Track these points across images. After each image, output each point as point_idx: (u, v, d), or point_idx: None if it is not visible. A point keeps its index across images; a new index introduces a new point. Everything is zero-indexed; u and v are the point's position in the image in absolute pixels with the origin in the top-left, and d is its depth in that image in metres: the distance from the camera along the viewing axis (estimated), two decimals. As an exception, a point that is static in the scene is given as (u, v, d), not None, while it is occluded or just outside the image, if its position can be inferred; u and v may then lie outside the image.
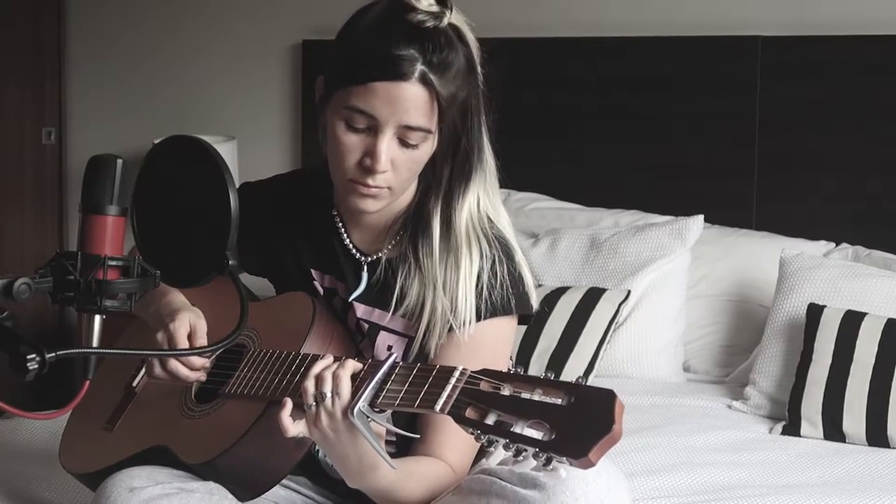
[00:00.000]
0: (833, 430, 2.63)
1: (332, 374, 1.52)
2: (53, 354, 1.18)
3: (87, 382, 1.26)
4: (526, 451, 1.30)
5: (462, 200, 1.72)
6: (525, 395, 1.35)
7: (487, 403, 1.36)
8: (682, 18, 3.56)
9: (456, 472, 1.68)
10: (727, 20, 3.50)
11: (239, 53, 4.07)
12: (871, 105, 3.33)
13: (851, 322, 2.71)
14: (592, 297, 3.06)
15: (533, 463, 1.30)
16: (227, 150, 3.71)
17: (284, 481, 1.82)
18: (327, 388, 1.52)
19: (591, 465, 1.27)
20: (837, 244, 3.26)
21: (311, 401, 1.53)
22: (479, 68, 1.72)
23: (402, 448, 1.75)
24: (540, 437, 1.29)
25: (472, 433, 1.35)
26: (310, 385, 1.54)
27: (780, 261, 3.00)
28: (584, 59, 3.63)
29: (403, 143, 1.66)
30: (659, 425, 2.67)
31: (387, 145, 1.65)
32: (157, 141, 1.46)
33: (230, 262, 1.29)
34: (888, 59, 3.31)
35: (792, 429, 2.67)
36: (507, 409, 1.34)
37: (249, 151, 3.90)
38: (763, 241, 3.28)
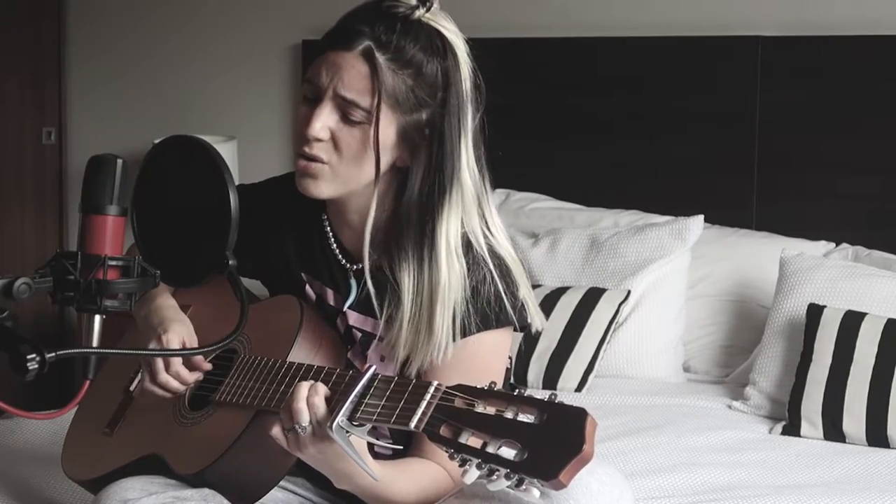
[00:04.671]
0: (833, 430, 2.63)
1: (308, 403, 1.51)
2: (53, 354, 1.18)
3: (88, 382, 1.26)
4: (498, 471, 1.30)
5: (441, 221, 1.67)
6: (499, 413, 1.34)
7: (461, 421, 1.36)
8: (682, 18, 3.56)
9: (453, 475, 1.67)
10: (727, 20, 3.50)
11: (239, 53, 4.07)
12: (871, 105, 3.33)
13: (851, 322, 2.71)
14: (592, 297, 3.06)
15: (506, 483, 1.30)
16: (227, 150, 3.71)
17: (283, 483, 1.82)
18: (304, 420, 1.51)
19: (562, 486, 1.28)
20: (837, 244, 3.26)
21: (289, 428, 1.53)
22: (465, 86, 1.68)
23: (398, 451, 1.75)
24: (512, 458, 1.29)
25: (446, 451, 1.35)
26: (285, 419, 1.53)
27: (780, 261, 3.00)
28: (584, 58, 3.63)
29: (345, 117, 1.65)
30: (659, 425, 2.67)
31: (325, 114, 1.65)
32: (157, 141, 1.46)
33: (230, 262, 1.29)
34: (888, 59, 3.31)
35: (792, 429, 2.67)
36: (480, 427, 1.34)
37: (249, 151, 3.90)
38: (763, 241, 3.28)
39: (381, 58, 1.62)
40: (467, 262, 1.68)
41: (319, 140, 1.66)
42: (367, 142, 1.65)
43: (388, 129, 1.66)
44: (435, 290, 1.66)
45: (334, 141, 1.66)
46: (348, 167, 1.68)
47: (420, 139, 1.67)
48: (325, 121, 1.65)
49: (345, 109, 1.65)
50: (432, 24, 1.66)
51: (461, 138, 1.68)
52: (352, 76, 1.63)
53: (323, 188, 1.70)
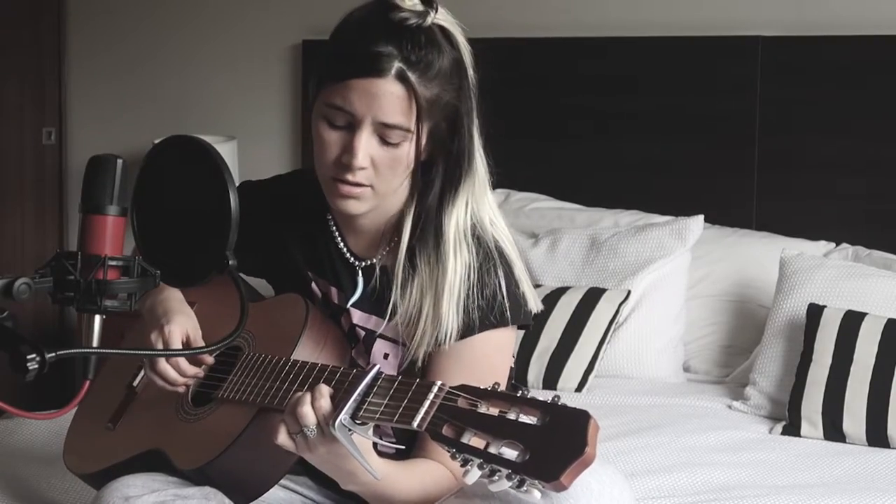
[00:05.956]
0: (833, 430, 2.63)
1: (313, 407, 1.51)
2: (53, 354, 1.18)
3: (88, 382, 1.26)
4: (500, 471, 1.30)
5: (451, 207, 1.70)
6: (502, 414, 1.34)
7: (464, 421, 1.36)
8: (682, 18, 3.56)
9: (456, 475, 1.67)
10: (727, 20, 3.50)
11: (239, 53, 4.07)
12: (871, 105, 3.33)
13: (851, 322, 2.71)
14: (592, 297, 3.06)
15: (507, 483, 1.30)
16: (227, 150, 3.71)
17: (284, 482, 1.82)
18: (311, 423, 1.51)
19: (563, 488, 1.27)
20: (837, 244, 3.26)
21: (296, 431, 1.53)
22: (470, 72, 1.70)
23: (402, 451, 1.75)
24: (514, 459, 1.29)
25: (448, 451, 1.35)
26: (291, 423, 1.53)
27: (780, 261, 3.00)
28: (585, 58, 3.63)
29: (383, 140, 1.65)
30: (659, 425, 2.67)
31: (364, 141, 1.64)
32: (157, 141, 1.46)
33: (230, 262, 1.29)
34: (888, 59, 3.31)
35: (792, 429, 2.67)
36: (482, 427, 1.34)
37: (249, 151, 3.90)
38: (763, 241, 3.28)
39: (412, 76, 1.62)
40: (475, 249, 1.70)
41: (363, 168, 1.66)
42: (405, 157, 1.67)
43: (423, 135, 1.67)
44: (443, 275, 1.68)
45: (374, 165, 1.67)
46: (388, 184, 1.69)
47: (444, 133, 1.70)
48: (366, 149, 1.65)
49: (383, 133, 1.65)
50: (440, 23, 1.67)
51: (473, 125, 1.71)
52: (391, 102, 1.62)
53: (363, 207, 1.71)
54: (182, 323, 1.81)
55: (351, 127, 1.65)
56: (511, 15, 3.72)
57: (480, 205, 1.73)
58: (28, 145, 4.16)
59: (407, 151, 1.66)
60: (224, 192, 1.29)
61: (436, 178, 1.71)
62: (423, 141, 1.67)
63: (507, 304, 1.70)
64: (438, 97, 1.66)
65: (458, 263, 1.68)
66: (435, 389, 1.43)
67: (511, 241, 1.76)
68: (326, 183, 1.70)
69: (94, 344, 1.26)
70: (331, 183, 1.69)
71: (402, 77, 1.62)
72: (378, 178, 1.67)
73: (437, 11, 1.65)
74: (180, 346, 1.78)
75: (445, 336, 1.67)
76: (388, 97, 1.62)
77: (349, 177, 1.66)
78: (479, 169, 1.72)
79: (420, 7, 1.64)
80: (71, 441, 1.97)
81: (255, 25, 4.04)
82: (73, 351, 1.23)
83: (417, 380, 1.48)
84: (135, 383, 1.93)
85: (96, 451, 1.88)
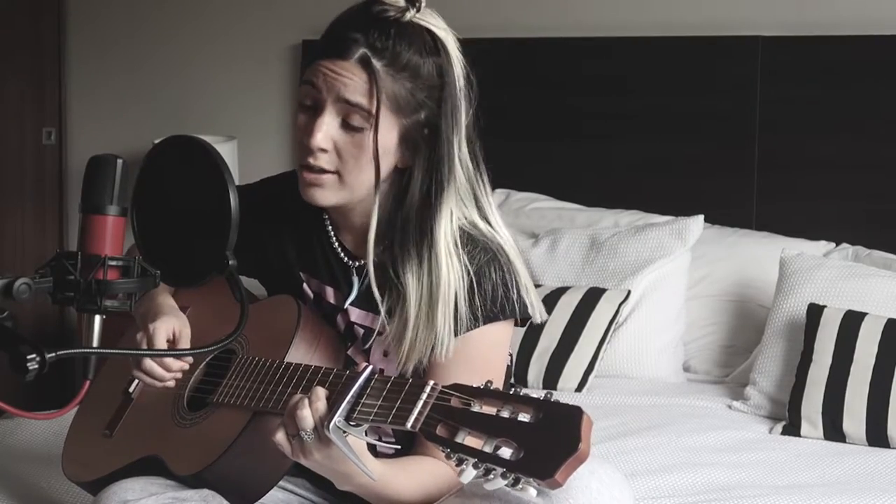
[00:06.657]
0: (833, 430, 2.63)
1: (311, 409, 1.51)
2: (53, 354, 1.18)
3: (88, 382, 1.26)
4: (495, 470, 1.30)
5: (438, 217, 1.68)
6: (495, 412, 1.34)
7: (457, 420, 1.36)
8: (682, 18, 3.56)
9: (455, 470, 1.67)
10: (727, 20, 3.50)
11: (239, 53, 4.07)
12: (871, 105, 3.33)
13: (851, 322, 2.71)
14: (592, 297, 3.06)
15: (502, 482, 1.30)
16: (227, 150, 3.71)
17: (283, 483, 1.82)
18: (309, 426, 1.51)
19: (558, 485, 1.28)
20: (837, 244, 3.26)
21: (293, 434, 1.53)
22: (459, 82, 1.69)
23: (401, 450, 1.75)
24: (508, 457, 1.29)
25: (443, 451, 1.35)
26: (290, 425, 1.53)
27: (780, 261, 3.00)
28: (585, 59, 3.63)
29: (346, 124, 1.66)
30: (659, 425, 2.67)
31: (326, 123, 1.65)
32: (156, 141, 1.46)
33: (230, 262, 1.29)
34: (888, 59, 3.31)
35: (792, 429, 2.67)
36: (476, 426, 1.34)
37: (249, 151, 3.90)
38: (763, 241, 3.28)
39: (377, 64, 1.63)
40: (468, 254, 1.69)
41: (323, 150, 1.66)
42: (368, 145, 1.66)
43: (391, 132, 1.66)
44: (436, 286, 1.67)
45: (337, 150, 1.67)
46: (353, 174, 1.68)
47: (420, 139, 1.69)
48: (326, 130, 1.65)
49: (346, 115, 1.65)
50: (422, 23, 1.67)
51: (455, 134, 1.69)
52: (352, 82, 1.63)
53: (330, 197, 1.71)
54: (167, 321, 1.81)
55: (317, 109, 1.67)
56: (512, 15, 3.72)
57: (468, 212, 1.72)
58: (28, 145, 4.16)
59: (370, 139, 1.65)
60: (224, 192, 1.30)
61: (413, 185, 1.70)
62: (392, 137, 1.66)
63: (502, 299, 1.69)
64: (411, 95, 1.65)
65: (451, 276, 1.67)
66: (428, 389, 1.43)
67: (511, 243, 1.75)
68: (298, 173, 1.72)
69: (94, 344, 1.26)
70: (299, 172, 1.71)
71: (364, 62, 1.63)
72: (342, 164, 1.67)
73: (418, 10, 1.66)
74: (165, 344, 1.79)
75: (441, 349, 1.66)
76: (350, 77, 1.64)
77: (311, 160, 1.67)
78: (460, 178, 1.70)
79: (402, 3, 1.65)
80: (69, 450, 1.96)
81: (255, 25, 4.04)
82: (73, 351, 1.23)
83: (410, 380, 1.47)
84: (130, 389, 1.93)
85: (94, 460, 1.87)
